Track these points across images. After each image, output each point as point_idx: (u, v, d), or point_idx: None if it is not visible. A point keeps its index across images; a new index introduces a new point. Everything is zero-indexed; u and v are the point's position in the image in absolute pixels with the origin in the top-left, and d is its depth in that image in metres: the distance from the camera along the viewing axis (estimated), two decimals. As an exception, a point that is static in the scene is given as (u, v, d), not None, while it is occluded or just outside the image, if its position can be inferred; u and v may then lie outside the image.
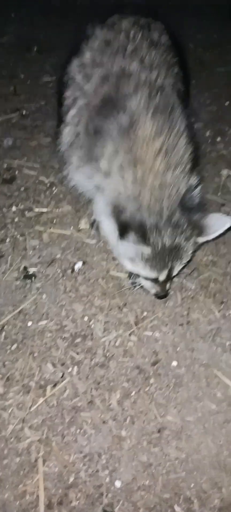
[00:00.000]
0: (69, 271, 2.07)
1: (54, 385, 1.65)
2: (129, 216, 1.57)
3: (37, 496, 1.39)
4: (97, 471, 1.46)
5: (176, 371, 1.72)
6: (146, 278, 1.76)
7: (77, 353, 1.75)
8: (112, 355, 1.75)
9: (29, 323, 1.85)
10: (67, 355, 1.75)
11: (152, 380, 1.68)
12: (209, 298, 1.96)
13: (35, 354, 1.75)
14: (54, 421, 1.57)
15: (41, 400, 1.61)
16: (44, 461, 1.47)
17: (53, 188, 2.49)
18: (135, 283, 1.99)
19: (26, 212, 2.34)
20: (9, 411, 1.58)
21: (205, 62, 3.70)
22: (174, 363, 1.74)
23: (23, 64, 3.64)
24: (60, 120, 2.10)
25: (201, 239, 1.66)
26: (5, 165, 2.62)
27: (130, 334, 1.82)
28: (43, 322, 1.86)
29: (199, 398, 1.65)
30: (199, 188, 1.69)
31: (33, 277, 2.03)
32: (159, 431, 1.56)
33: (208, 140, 2.86)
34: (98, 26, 2.02)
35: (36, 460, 1.47)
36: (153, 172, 1.57)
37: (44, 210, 2.36)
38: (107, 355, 1.75)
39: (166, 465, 1.48)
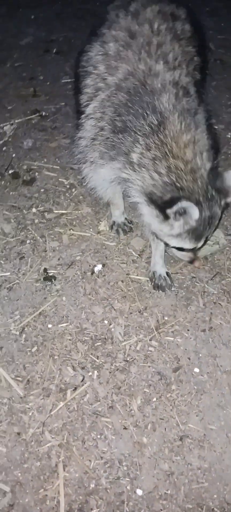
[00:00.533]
0: (89, 273, 2.05)
1: (75, 389, 1.64)
2: (171, 197, 1.69)
3: (58, 501, 1.38)
4: (118, 478, 1.44)
5: (198, 378, 1.68)
6: (185, 250, 1.85)
7: (98, 357, 1.74)
8: (133, 360, 1.73)
9: (49, 325, 1.85)
10: (88, 358, 1.73)
11: (173, 387, 1.65)
12: (231, 303, 1.92)
13: (56, 357, 1.74)
14: (74, 426, 1.55)
15: (61, 404, 1.60)
16: (64, 466, 1.45)
17: (73, 190, 2.49)
18: (158, 285, 1.97)
19: (46, 213, 2.34)
20: (30, 414, 1.58)
21: (226, 63, 3.64)
22: (196, 370, 1.71)
23: (42, 66, 3.65)
24: (79, 111, 2.03)
25: (229, 199, 1.79)
26: (25, 167, 2.63)
27: (150, 339, 1.80)
28: (63, 325, 1.85)
29: (222, 406, 1.61)
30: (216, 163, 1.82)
31: (53, 279, 2.02)
32: (181, 439, 1.53)
33: (230, 142, 2.81)
34: (122, 12, 1.96)
35: (56, 465, 1.46)
36: (184, 160, 1.70)
37: (64, 211, 2.35)
38: (128, 359, 1.73)
39: (188, 475, 1.45)
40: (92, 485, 1.42)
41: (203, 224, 1.72)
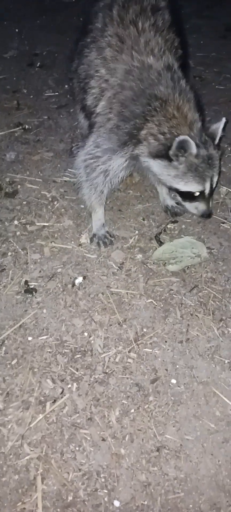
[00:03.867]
0: (69, 285, 2.08)
1: (54, 401, 1.66)
2: (170, 139, 2.04)
3: (36, 514, 1.39)
4: (96, 490, 1.45)
5: (175, 389, 1.72)
6: (193, 197, 2.14)
7: (77, 369, 1.76)
8: (112, 372, 1.76)
9: (30, 338, 1.86)
10: (67, 371, 1.75)
11: (151, 398, 1.69)
12: (208, 315, 1.97)
13: (35, 370, 1.75)
14: (53, 438, 1.57)
15: (40, 416, 1.61)
16: (43, 479, 1.46)
17: (55, 203, 2.51)
18: (175, 213, 2.47)
19: (28, 226, 2.36)
20: (9, 427, 1.58)
21: (205, 79, 3.75)
22: (173, 381, 1.74)
23: (26, 79, 3.69)
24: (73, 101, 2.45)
25: (215, 142, 2.15)
26: (7, 179, 2.65)
27: (129, 351, 1.83)
28: (43, 337, 1.86)
29: (198, 417, 1.65)
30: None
31: (34, 292, 2.04)
32: (157, 449, 1.56)
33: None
34: (109, 22, 2.22)
35: (35, 478, 1.47)
36: (184, 120, 2.09)
37: (46, 224, 2.38)
38: (107, 371, 1.76)
39: (164, 485, 1.48)
40: (70, 498, 1.44)
41: (204, 161, 2.05)
